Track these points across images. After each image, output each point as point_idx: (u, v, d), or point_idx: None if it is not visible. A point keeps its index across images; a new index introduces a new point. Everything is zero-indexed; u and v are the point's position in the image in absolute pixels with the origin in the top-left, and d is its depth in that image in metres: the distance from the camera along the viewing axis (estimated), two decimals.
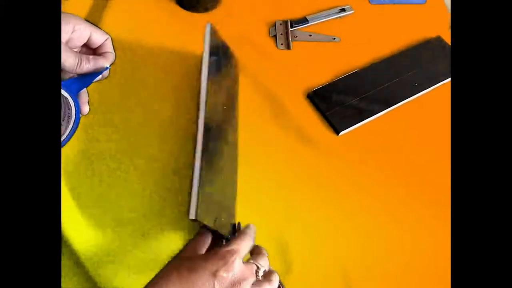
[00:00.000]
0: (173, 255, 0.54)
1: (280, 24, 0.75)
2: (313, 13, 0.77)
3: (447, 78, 0.70)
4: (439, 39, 0.75)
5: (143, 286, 0.41)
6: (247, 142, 0.61)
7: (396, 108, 0.67)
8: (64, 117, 0.45)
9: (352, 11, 0.78)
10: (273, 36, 0.74)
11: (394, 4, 0.80)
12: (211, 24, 0.54)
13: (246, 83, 0.67)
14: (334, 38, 0.74)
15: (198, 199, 0.42)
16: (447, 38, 0.75)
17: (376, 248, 0.55)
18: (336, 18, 0.77)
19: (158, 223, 0.54)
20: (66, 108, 0.45)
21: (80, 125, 0.46)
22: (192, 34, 0.70)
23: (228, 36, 0.62)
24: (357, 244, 0.55)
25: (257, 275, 0.44)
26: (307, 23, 0.75)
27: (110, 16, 0.71)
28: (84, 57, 0.45)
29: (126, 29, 0.70)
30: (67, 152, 0.57)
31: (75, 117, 0.45)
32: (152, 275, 0.43)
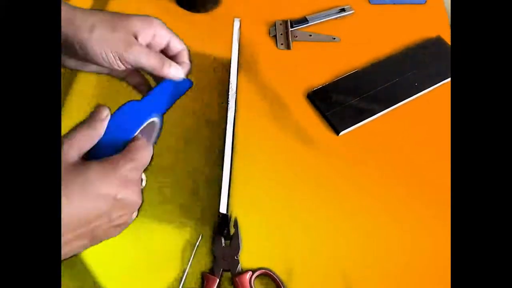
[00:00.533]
0: (169, 255, 0.54)
1: (280, 24, 0.75)
2: (313, 13, 0.76)
3: (447, 78, 0.70)
4: (439, 39, 0.75)
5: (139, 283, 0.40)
6: (247, 142, 0.61)
7: (396, 108, 0.67)
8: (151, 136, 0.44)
9: (352, 11, 0.78)
10: (273, 36, 0.74)
11: (394, 4, 0.80)
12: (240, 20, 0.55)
13: (246, 82, 0.67)
14: (334, 38, 0.74)
15: (228, 195, 0.47)
16: (447, 38, 0.75)
17: (376, 248, 0.55)
18: (336, 18, 0.77)
19: (156, 221, 0.55)
20: (151, 129, 0.44)
21: None
22: (192, 34, 0.70)
23: (228, 36, 0.62)
24: (357, 244, 0.55)
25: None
26: (307, 23, 0.75)
27: None
28: (167, 60, 0.45)
29: None
30: None
31: (158, 133, 0.45)
32: (148, 273, 0.42)
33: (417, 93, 0.69)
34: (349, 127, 0.64)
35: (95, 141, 0.38)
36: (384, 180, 0.60)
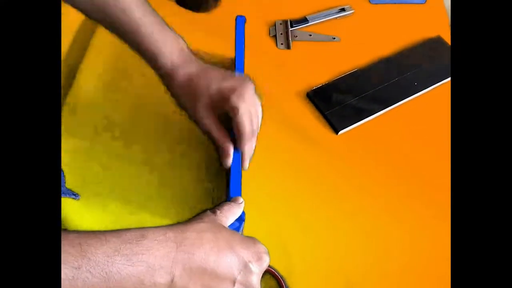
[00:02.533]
0: None
1: (280, 24, 0.75)
2: (313, 13, 0.76)
3: (447, 78, 0.70)
4: (439, 39, 0.75)
5: None
6: None
7: (396, 107, 0.67)
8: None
9: (352, 11, 0.78)
10: (273, 36, 0.74)
11: (394, 4, 0.80)
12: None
13: None
14: (334, 38, 0.74)
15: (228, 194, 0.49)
16: (447, 38, 0.75)
17: (376, 248, 0.55)
18: (336, 18, 0.77)
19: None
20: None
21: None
22: (192, 34, 0.70)
23: (228, 36, 0.62)
24: (357, 243, 0.55)
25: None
26: (307, 23, 0.75)
27: None
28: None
29: None
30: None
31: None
32: None
33: (416, 93, 0.69)
34: (348, 126, 0.64)
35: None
36: (384, 180, 0.60)
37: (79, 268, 0.32)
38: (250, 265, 0.40)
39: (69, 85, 0.65)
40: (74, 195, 0.53)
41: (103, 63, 0.67)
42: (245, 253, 0.40)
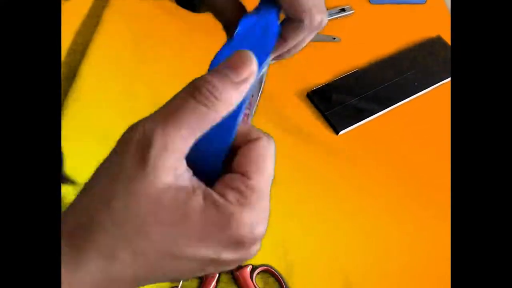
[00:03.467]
0: None
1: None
2: None
3: (447, 78, 0.70)
4: (439, 39, 0.75)
5: None
6: None
7: (396, 107, 0.67)
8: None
9: (352, 11, 0.78)
10: None
11: (394, 4, 0.80)
12: None
13: None
14: (334, 38, 0.74)
15: None
16: (447, 37, 0.75)
17: (376, 248, 0.55)
18: (336, 18, 0.77)
19: None
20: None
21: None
22: (192, 33, 0.70)
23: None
24: (357, 244, 0.55)
25: None
26: None
27: (110, 16, 0.71)
28: None
29: (126, 29, 0.70)
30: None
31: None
32: None
33: (417, 93, 0.69)
34: (348, 126, 0.64)
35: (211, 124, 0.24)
36: (384, 180, 0.60)
37: None
38: (223, 257, 0.25)
39: (69, 85, 0.65)
40: (71, 182, 0.53)
41: (103, 63, 0.67)
42: (208, 249, 0.24)
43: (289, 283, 0.51)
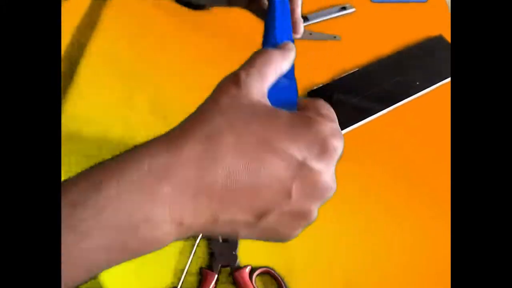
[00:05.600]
0: (168, 252, 0.53)
1: None
2: (314, 12, 0.76)
3: (448, 77, 0.70)
4: (440, 38, 0.75)
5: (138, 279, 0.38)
6: None
7: (397, 107, 0.67)
8: None
9: (353, 10, 0.77)
10: None
11: (395, 2, 0.80)
12: None
13: None
14: (335, 37, 0.74)
15: None
16: (448, 37, 0.75)
17: (376, 248, 0.55)
18: (337, 16, 0.77)
19: None
20: None
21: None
22: (192, 33, 0.70)
23: (228, 35, 0.62)
24: (357, 244, 0.55)
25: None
26: (308, 22, 0.75)
27: (109, 16, 0.71)
28: None
29: (126, 29, 0.70)
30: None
31: None
32: (147, 269, 0.41)
33: (418, 92, 0.68)
34: (349, 126, 0.64)
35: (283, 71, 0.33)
36: (384, 179, 0.60)
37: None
38: (309, 162, 0.28)
39: (68, 83, 0.65)
40: None
41: (103, 63, 0.67)
42: (296, 147, 0.27)
43: (289, 283, 0.51)
